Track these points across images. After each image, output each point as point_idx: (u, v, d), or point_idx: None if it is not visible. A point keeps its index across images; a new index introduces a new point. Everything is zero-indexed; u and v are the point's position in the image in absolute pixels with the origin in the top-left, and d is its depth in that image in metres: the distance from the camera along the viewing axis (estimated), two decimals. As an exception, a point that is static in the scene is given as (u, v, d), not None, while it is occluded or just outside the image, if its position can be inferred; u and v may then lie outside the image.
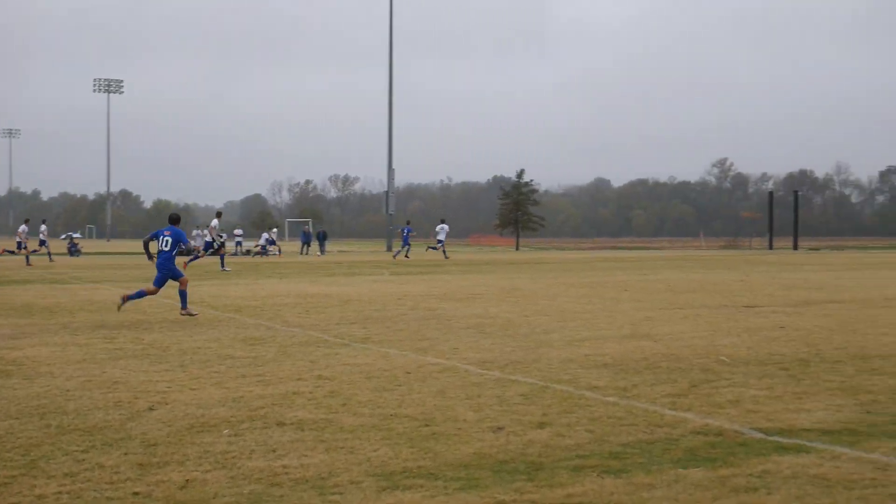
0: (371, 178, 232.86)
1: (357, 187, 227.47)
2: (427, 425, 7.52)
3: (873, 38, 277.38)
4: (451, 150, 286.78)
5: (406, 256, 49.82)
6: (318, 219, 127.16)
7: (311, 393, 8.99)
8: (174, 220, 17.32)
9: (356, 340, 13.14)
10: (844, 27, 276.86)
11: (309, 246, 63.92)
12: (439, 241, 51.63)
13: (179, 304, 16.56)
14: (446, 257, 50.18)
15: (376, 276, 30.60)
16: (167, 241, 16.62)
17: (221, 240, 38.36)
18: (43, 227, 46.47)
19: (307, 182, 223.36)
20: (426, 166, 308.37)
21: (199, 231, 63.70)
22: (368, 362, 11.00)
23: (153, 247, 17.13)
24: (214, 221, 38.21)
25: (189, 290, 16.94)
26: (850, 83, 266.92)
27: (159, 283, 16.56)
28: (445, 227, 52.40)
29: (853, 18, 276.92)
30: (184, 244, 16.82)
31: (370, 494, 5.65)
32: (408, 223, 53.31)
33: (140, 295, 16.81)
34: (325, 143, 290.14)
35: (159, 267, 16.60)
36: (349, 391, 9.09)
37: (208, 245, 37.54)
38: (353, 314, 16.95)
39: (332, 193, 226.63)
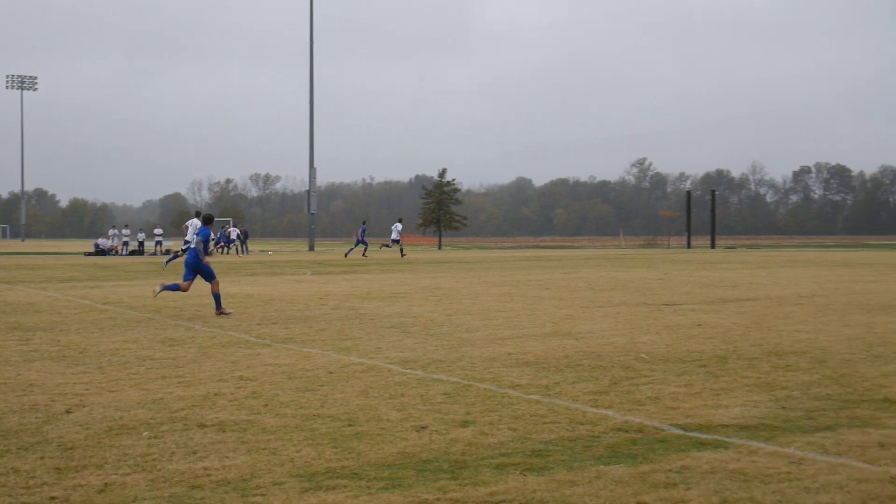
0: (293, 177, 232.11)
1: (278, 186, 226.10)
2: (350, 425, 7.50)
3: (787, 39, 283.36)
4: (374, 150, 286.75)
5: (364, 255, 50.86)
6: (239, 218, 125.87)
7: (232, 394, 8.91)
8: (207, 220, 18.00)
9: (278, 341, 13.05)
10: (759, 29, 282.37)
11: (229, 246, 63.20)
12: (394, 240, 53.18)
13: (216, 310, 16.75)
14: (403, 255, 51.20)
15: (298, 276, 30.40)
16: (199, 240, 17.33)
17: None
18: None
19: (227, 181, 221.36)
20: (348, 165, 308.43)
21: (115, 231, 62.72)
22: (290, 362, 10.93)
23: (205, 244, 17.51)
24: (195, 221, 38.21)
25: (111, 290, 16.64)
26: (764, 85, 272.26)
27: (186, 277, 17.18)
28: (399, 225, 54.14)
29: (768, 20, 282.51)
30: (199, 237, 17.30)
31: (293, 495, 5.62)
32: (364, 223, 54.35)
33: (175, 288, 17.37)
34: (246, 141, 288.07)
35: (187, 264, 17.26)
36: (271, 392, 9.02)
37: (186, 243, 37.76)
38: (275, 314, 16.82)
39: (253, 192, 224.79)
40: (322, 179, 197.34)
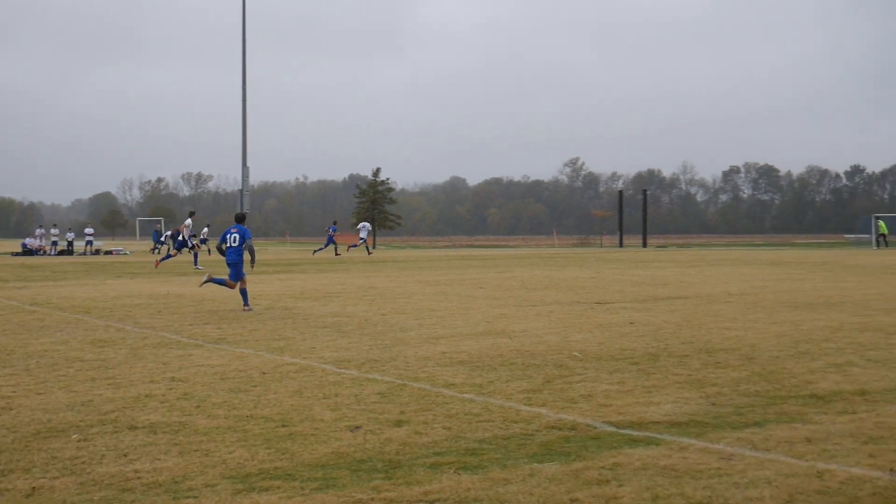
0: (225, 176, 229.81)
1: (211, 185, 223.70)
2: (284, 426, 7.46)
3: (715, 43, 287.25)
4: (307, 148, 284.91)
5: (336, 254, 51.84)
6: (170, 217, 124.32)
7: (163, 395, 8.81)
8: (240, 218, 18.82)
9: (210, 341, 12.93)
10: (688, 33, 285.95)
11: (161, 245, 62.42)
12: (361, 239, 54.41)
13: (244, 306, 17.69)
14: (369, 253, 52.31)
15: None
16: (234, 237, 18.16)
17: (196, 239, 38.77)
18: None
19: (159, 180, 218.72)
20: (282, 164, 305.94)
21: (42, 230, 61.63)
22: (223, 363, 10.84)
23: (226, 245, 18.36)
24: (188, 221, 38.09)
25: (40, 291, 16.37)
26: (694, 86, 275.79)
27: (235, 277, 17.99)
28: (367, 225, 56.16)
29: (696, 25, 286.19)
30: (246, 241, 18.16)
31: (225, 497, 5.57)
32: (334, 223, 54.80)
33: (222, 283, 18.29)
34: (178, 140, 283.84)
35: (230, 264, 18.03)
36: (203, 393, 8.94)
37: (181, 244, 37.55)
38: (207, 314, 16.67)
39: (185, 191, 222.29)
40: (255, 178, 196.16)
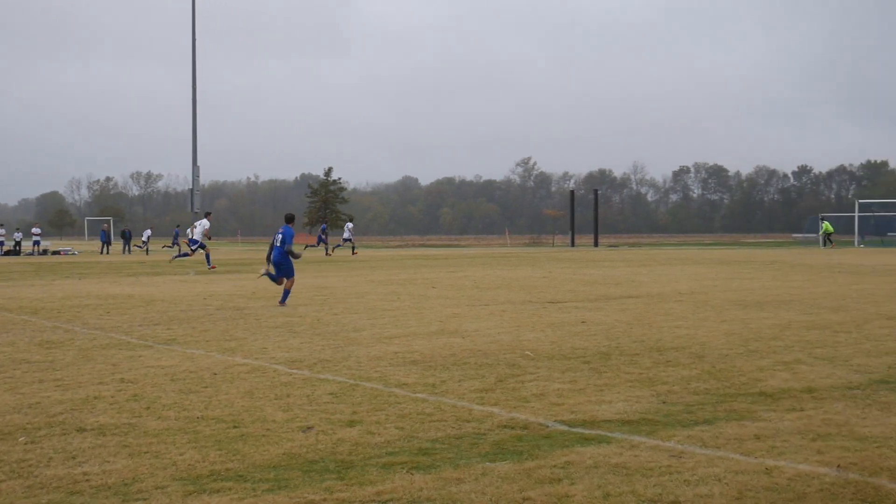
0: (175, 176, 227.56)
1: (160, 185, 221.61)
2: (235, 427, 7.41)
3: (665, 44, 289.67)
4: (258, 148, 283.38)
5: (327, 254, 52.60)
6: (119, 217, 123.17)
7: (112, 397, 8.72)
8: (289, 219, 19.44)
9: (160, 342, 12.81)
10: (637, 34, 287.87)
11: (109, 245, 61.80)
12: (345, 239, 54.78)
13: (280, 301, 18.57)
14: (354, 253, 52.24)
15: (182, 276, 29.89)
16: (279, 237, 18.83)
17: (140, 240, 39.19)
18: None
19: (107, 179, 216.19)
20: (233, 163, 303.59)
21: None
22: (173, 364, 10.74)
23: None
24: (205, 221, 38.12)
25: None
26: (644, 87, 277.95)
27: (278, 275, 18.85)
28: (350, 224, 56.70)
29: (645, 25, 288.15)
30: (286, 243, 18.71)
31: (176, 499, 5.53)
32: (325, 221, 56.04)
33: (274, 279, 19.04)
34: (127, 139, 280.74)
35: (274, 262, 18.71)
36: (153, 394, 8.86)
37: (193, 242, 37.51)
38: (157, 315, 16.52)
39: (135, 191, 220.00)
40: (206, 178, 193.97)
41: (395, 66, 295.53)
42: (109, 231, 65.99)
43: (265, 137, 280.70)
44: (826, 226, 67.23)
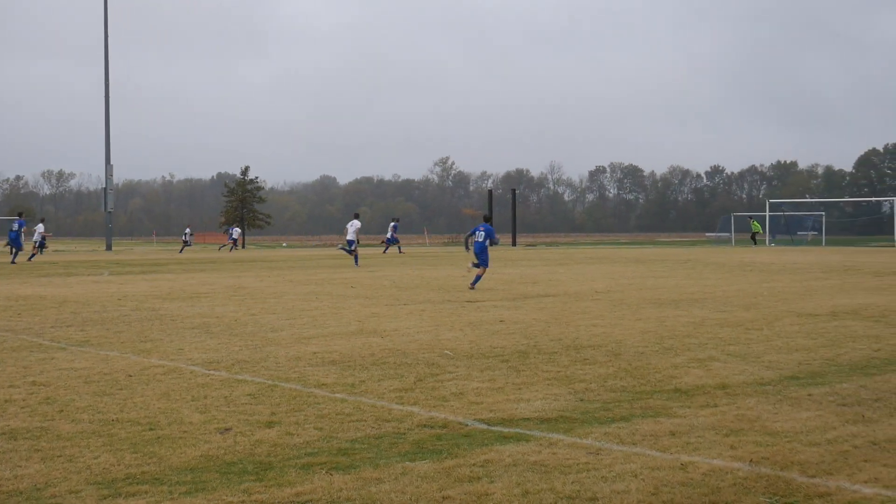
0: (88, 175, 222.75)
1: (73, 184, 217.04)
2: (151, 429, 7.31)
3: (581, 45, 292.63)
4: (174, 147, 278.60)
5: (400, 251, 52.28)
6: (31, 216, 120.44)
7: (24, 400, 8.53)
8: (487, 218, 23.74)
9: (74, 343, 12.57)
10: (552, 36, 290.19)
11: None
12: (390, 240, 53.02)
13: (471, 285, 22.18)
14: (401, 252, 52.29)
15: (95, 277, 29.36)
16: (481, 234, 22.74)
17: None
18: None
19: (17, 178, 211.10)
20: (147, 162, 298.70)
21: None
22: (87, 366, 10.55)
23: (471, 240, 23.18)
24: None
25: None
26: (560, 88, 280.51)
27: (484, 263, 22.63)
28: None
29: (560, 28, 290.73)
30: (492, 239, 22.64)
31: (91, 503, 5.44)
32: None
33: (478, 276, 22.66)
34: (37, 137, 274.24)
35: (477, 254, 22.64)
36: (66, 397, 8.69)
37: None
38: (70, 316, 16.20)
39: (46, 190, 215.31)
40: (119, 177, 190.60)
41: (313, 66, 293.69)
42: (18, 231, 64.24)
43: (181, 136, 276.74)
44: (755, 225, 68.85)
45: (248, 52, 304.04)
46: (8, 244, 41.86)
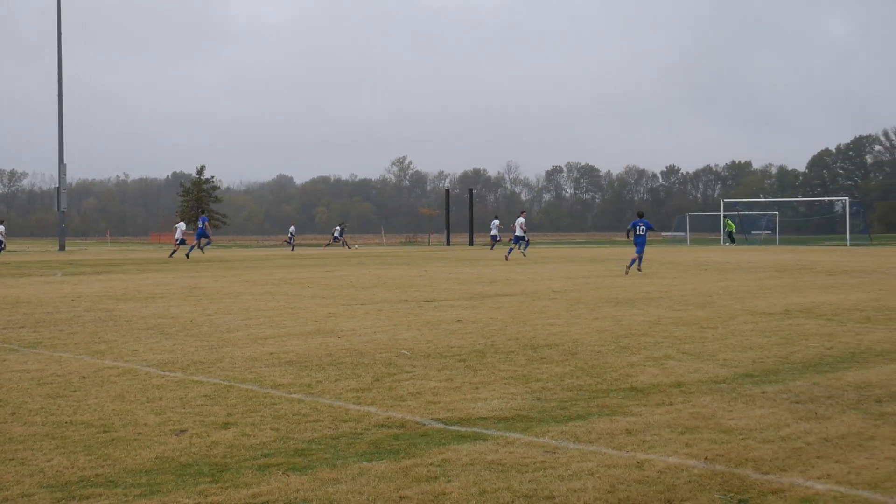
0: (41, 174, 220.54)
1: (25, 183, 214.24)
2: (105, 431, 7.24)
3: (536, 45, 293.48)
4: (128, 146, 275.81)
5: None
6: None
7: (-25, 403, 8.42)
8: (641, 214, 29.33)
9: (25, 345, 12.42)
10: (507, 36, 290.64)
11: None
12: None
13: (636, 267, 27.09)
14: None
15: (48, 277, 29.03)
16: (642, 227, 28.34)
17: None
18: None
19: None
20: (101, 162, 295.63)
21: None
22: (40, 368, 10.42)
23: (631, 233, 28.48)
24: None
25: None
26: (516, 88, 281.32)
27: (642, 251, 28.25)
28: (497, 221, 53.53)
29: (515, 29, 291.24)
30: (651, 229, 28.49)
31: (44, 507, 5.37)
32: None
33: (635, 262, 28.09)
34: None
35: (637, 245, 28.06)
36: (19, 399, 8.58)
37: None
38: (22, 317, 16.00)
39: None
40: (73, 176, 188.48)
41: (266, 64, 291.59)
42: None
43: (135, 136, 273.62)
44: (729, 224, 69.65)
45: (201, 50, 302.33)
46: None
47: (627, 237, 28.95)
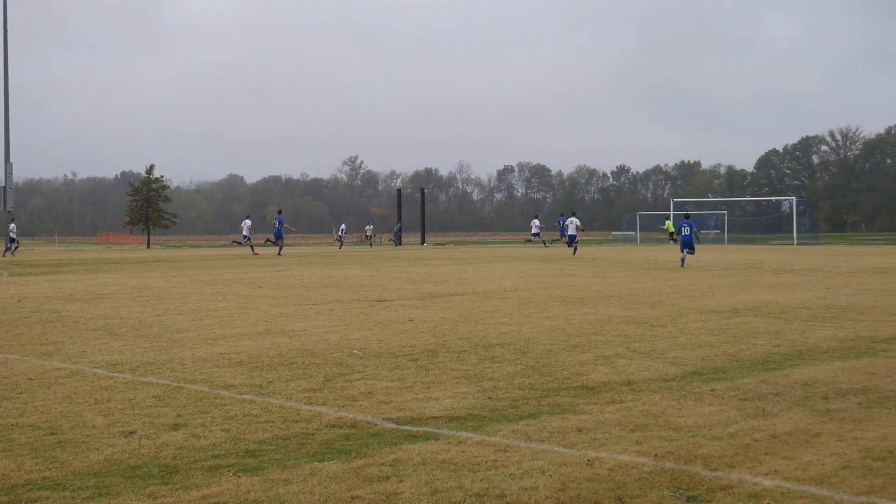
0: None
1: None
2: (53, 433, 7.15)
3: (485, 46, 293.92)
4: (75, 145, 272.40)
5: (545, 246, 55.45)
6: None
7: (-81, 405, 8.28)
8: (687, 216, 33.68)
9: (-29, 347, 12.23)
10: (458, 37, 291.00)
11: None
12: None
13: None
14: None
15: (-7, 278, 28.61)
16: (688, 228, 32.09)
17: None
18: None
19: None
20: (48, 161, 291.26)
21: None
22: (-15, 370, 10.28)
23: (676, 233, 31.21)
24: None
25: None
26: (467, 88, 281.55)
27: (692, 250, 32.14)
28: (537, 221, 58.60)
29: (465, 30, 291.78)
30: (696, 232, 32.55)
31: (-11, 511, 5.30)
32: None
33: (690, 252, 32.22)
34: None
35: (688, 243, 31.93)
36: (-36, 402, 8.45)
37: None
38: (-32, 318, 15.76)
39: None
40: (19, 175, 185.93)
41: (215, 62, 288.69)
42: None
43: (82, 134, 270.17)
44: (668, 224, 70.20)
45: (148, 48, 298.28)
46: None
47: (672, 240, 29.88)
